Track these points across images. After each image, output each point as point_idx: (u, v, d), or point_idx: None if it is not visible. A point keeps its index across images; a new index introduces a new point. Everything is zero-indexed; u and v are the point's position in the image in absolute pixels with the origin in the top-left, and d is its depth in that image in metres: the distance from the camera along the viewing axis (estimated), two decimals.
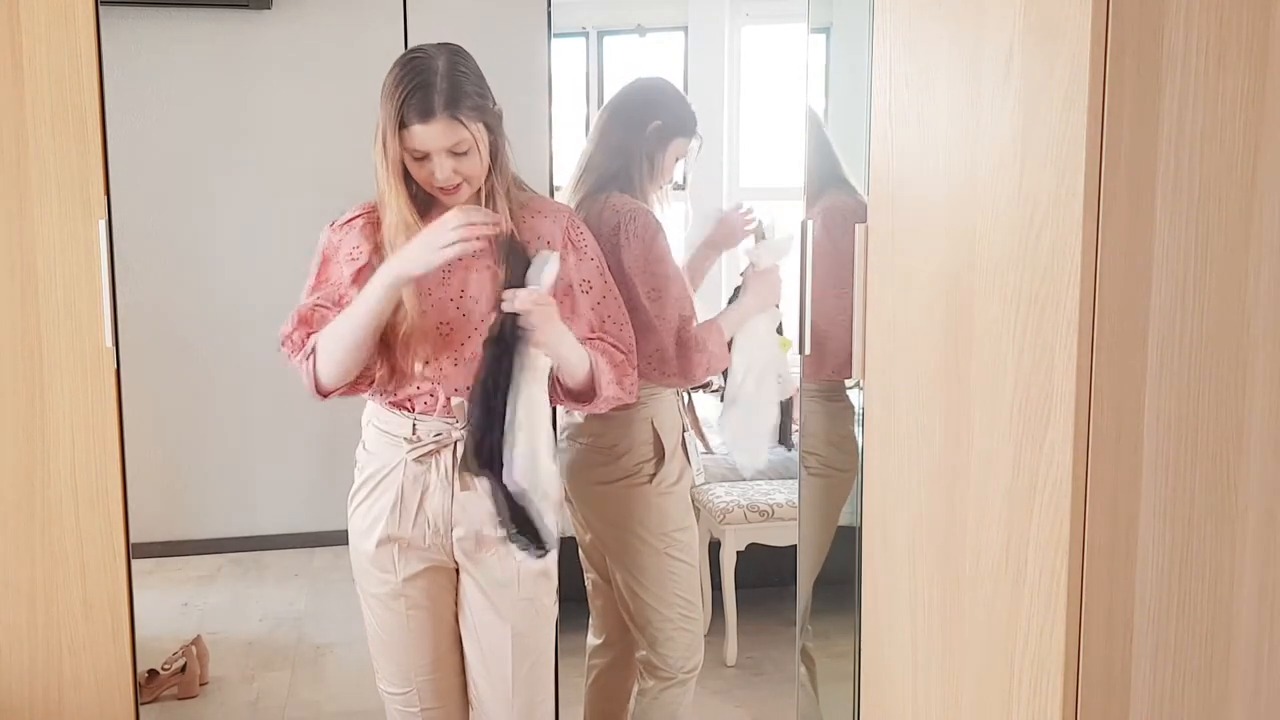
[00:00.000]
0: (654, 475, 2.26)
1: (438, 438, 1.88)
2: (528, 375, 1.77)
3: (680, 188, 4.41)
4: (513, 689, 1.95)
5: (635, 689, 2.43)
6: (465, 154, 1.82)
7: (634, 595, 2.31)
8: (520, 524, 1.80)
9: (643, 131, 2.29)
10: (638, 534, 2.27)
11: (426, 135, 1.78)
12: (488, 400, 1.76)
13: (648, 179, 2.31)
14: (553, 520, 1.83)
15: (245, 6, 3.92)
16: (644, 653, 2.35)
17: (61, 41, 1.86)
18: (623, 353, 1.97)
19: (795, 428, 3.47)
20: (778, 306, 2.35)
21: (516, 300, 1.74)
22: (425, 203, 1.88)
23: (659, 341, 2.17)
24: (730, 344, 2.30)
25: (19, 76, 1.86)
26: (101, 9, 1.89)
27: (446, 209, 1.83)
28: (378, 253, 1.87)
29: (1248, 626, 1.25)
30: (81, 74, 1.87)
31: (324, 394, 1.90)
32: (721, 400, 2.41)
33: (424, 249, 1.76)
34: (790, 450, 2.52)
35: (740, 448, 2.39)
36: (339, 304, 1.88)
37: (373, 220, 1.90)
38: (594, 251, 1.99)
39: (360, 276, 1.86)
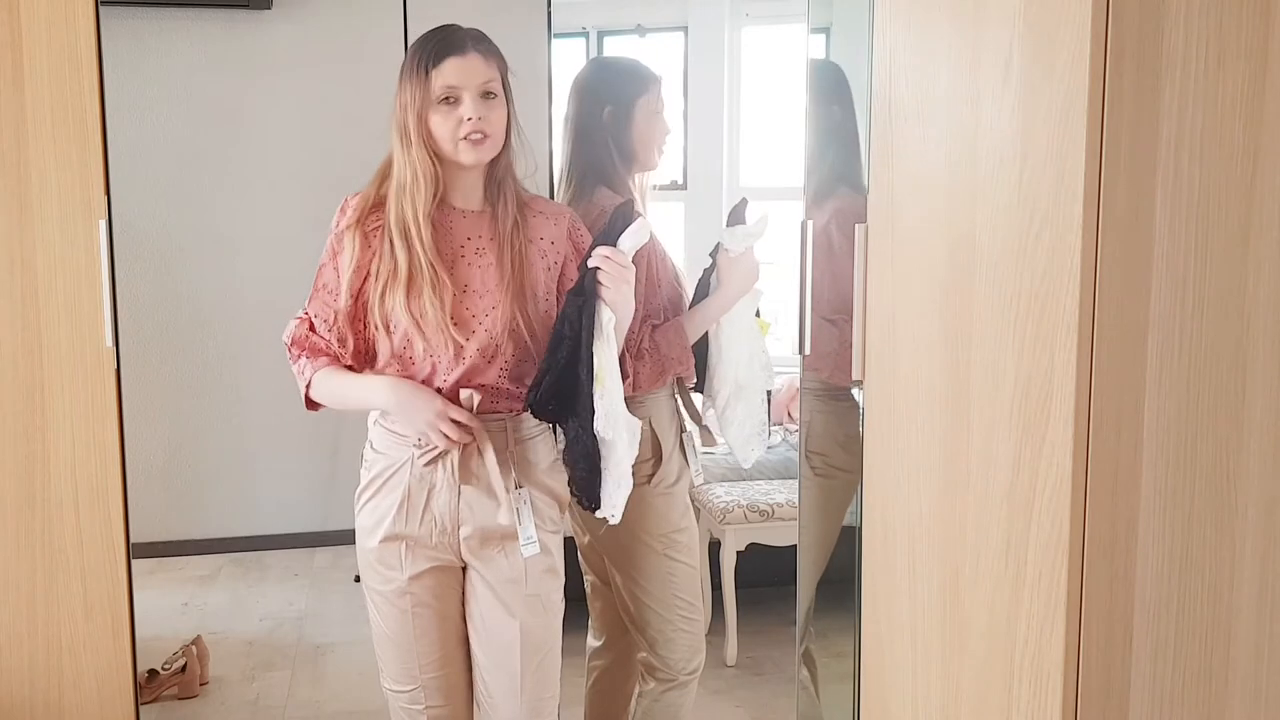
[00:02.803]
0: (652, 475, 2.26)
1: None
2: (599, 329, 1.86)
3: (680, 187, 4.42)
4: (521, 685, 1.95)
5: (636, 691, 2.43)
6: (493, 99, 1.84)
7: (633, 597, 2.31)
8: (588, 474, 1.89)
9: (599, 120, 2.24)
10: (636, 535, 2.26)
11: (462, 68, 1.82)
12: (556, 348, 1.86)
13: (622, 166, 2.25)
14: (621, 485, 1.91)
15: (245, 6, 3.93)
16: (645, 654, 2.34)
17: (61, 41, 1.86)
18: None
19: (791, 426, 3.47)
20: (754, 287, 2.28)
21: (595, 255, 1.84)
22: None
23: None
24: (710, 336, 2.26)
25: (19, 77, 1.86)
26: (101, 9, 1.89)
27: (451, 200, 1.88)
28: (375, 259, 1.87)
29: (1248, 626, 1.25)
30: (81, 74, 1.87)
31: (313, 408, 1.98)
32: (699, 391, 2.33)
33: (420, 415, 1.84)
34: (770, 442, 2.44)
35: (734, 440, 2.32)
36: (334, 326, 1.90)
37: (366, 221, 1.89)
38: None
39: (359, 292, 1.88)
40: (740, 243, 2.21)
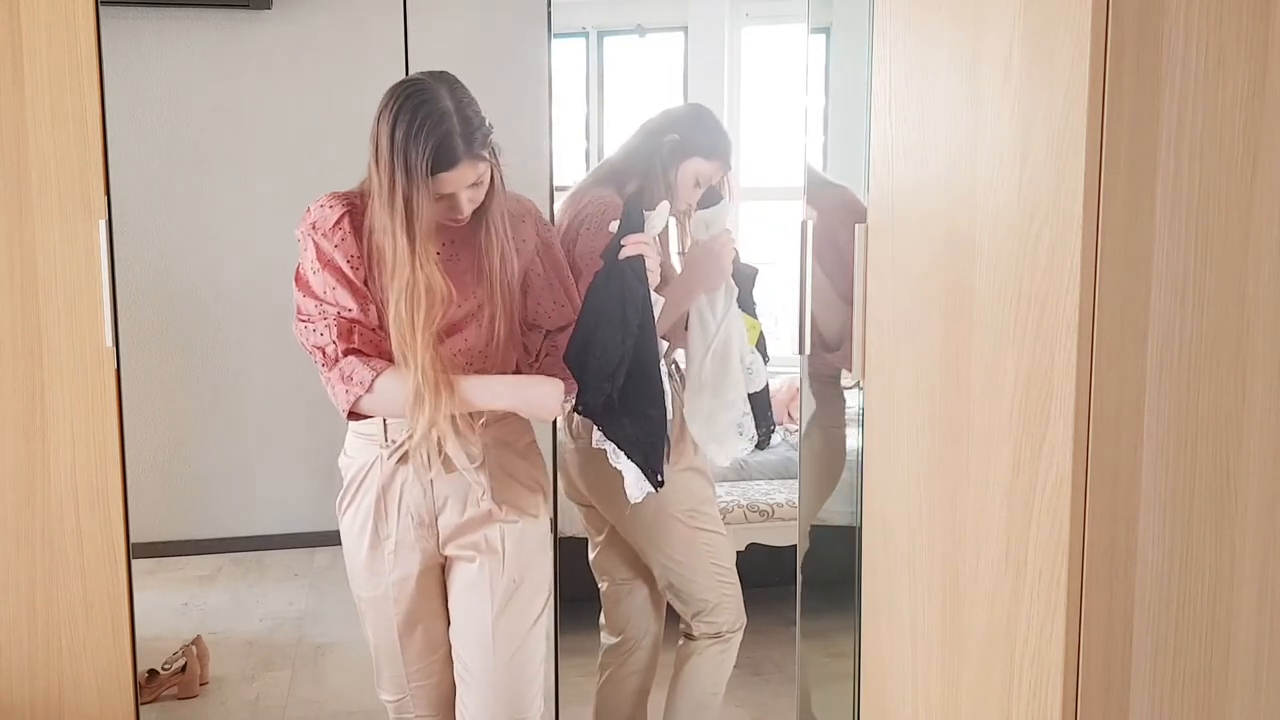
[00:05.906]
0: (668, 454, 2.24)
1: (411, 437, 1.87)
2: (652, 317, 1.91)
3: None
4: (494, 662, 1.93)
5: (679, 644, 2.46)
6: (479, 183, 1.82)
7: (675, 574, 2.37)
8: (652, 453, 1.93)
9: (659, 143, 2.26)
10: (667, 513, 2.29)
11: (454, 179, 1.78)
12: (607, 349, 1.88)
13: (662, 194, 2.23)
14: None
15: (245, 6, 3.92)
16: (690, 621, 2.42)
17: (61, 41, 1.86)
18: None
19: (791, 426, 3.46)
20: (735, 282, 2.16)
21: (630, 245, 1.85)
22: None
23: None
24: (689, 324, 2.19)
25: (19, 76, 1.86)
26: (101, 9, 1.89)
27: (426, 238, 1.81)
28: (367, 252, 1.84)
29: (1248, 626, 1.25)
30: (81, 74, 1.87)
31: (356, 419, 1.89)
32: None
33: (553, 403, 1.85)
34: (767, 445, 2.34)
35: (698, 435, 2.21)
36: (366, 314, 1.84)
37: (355, 221, 1.85)
38: (558, 246, 2.04)
39: (369, 285, 1.84)
40: (703, 228, 2.12)
